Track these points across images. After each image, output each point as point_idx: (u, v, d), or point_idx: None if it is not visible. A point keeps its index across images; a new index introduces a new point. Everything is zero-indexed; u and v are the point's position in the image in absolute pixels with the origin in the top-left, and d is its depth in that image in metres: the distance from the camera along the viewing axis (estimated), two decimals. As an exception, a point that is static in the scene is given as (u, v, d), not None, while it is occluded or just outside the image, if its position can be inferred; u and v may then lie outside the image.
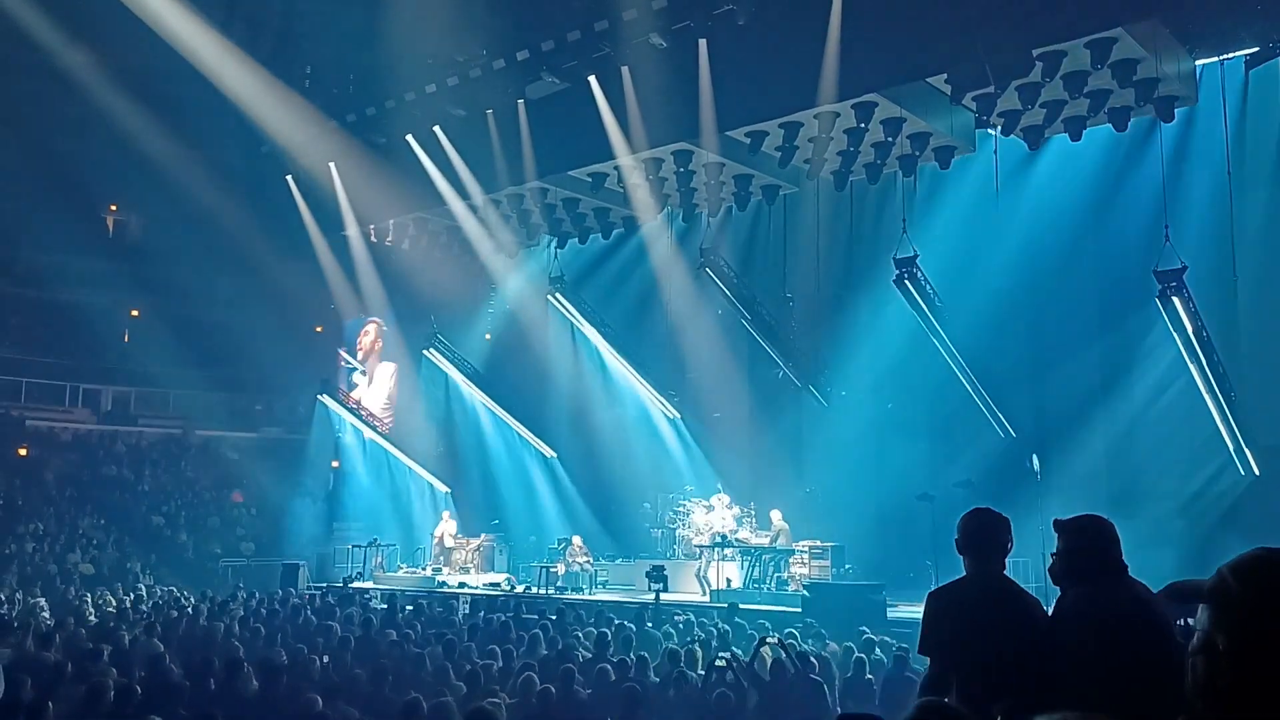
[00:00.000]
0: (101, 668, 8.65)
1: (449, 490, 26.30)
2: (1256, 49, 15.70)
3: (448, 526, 22.83)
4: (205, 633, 12.52)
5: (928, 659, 4.11)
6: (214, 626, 12.84)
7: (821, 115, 17.03)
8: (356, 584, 21.14)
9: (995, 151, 18.12)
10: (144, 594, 19.11)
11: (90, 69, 24.88)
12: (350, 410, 27.15)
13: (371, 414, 27.49)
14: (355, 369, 28.46)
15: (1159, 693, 2.78)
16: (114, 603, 16.93)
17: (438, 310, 25.45)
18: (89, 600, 17.12)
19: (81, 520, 26.19)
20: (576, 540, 20.48)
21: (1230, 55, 16.43)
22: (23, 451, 28.90)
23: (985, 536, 4.06)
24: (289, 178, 23.74)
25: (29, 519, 25.33)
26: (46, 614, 15.06)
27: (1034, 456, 18.83)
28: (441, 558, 22.15)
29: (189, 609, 15.58)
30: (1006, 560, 4.09)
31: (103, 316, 31.91)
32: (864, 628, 11.92)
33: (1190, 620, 1.63)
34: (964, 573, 4.13)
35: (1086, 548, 3.70)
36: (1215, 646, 1.50)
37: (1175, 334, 16.26)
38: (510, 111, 19.71)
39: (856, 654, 9.96)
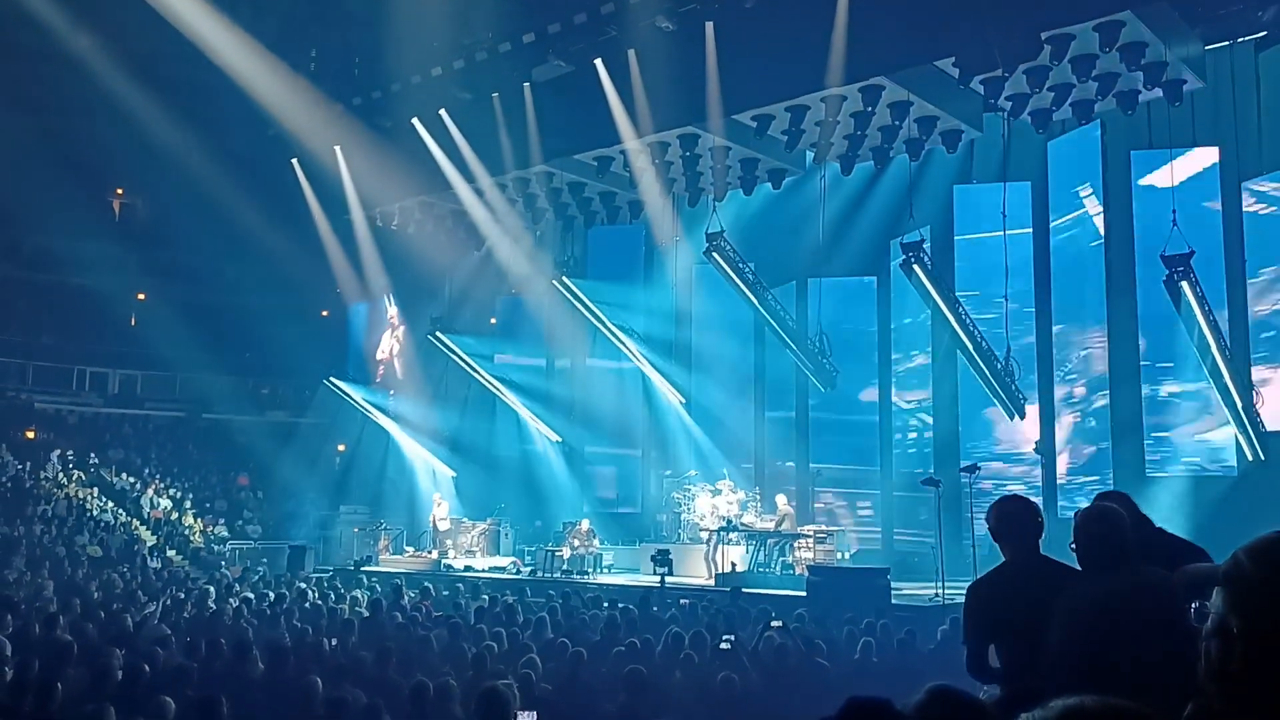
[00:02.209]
0: (108, 649, 8.68)
1: (454, 474, 26.33)
2: (1265, 32, 15.62)
3: (439, 510, 22.90)
4: (212, 615, 12.58)
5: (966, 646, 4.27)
6: (221, 609, 12.90)
7: (828, 99, 16.95)
8: (365, 568, 21.19)
9: (1004, 135, 18.06)
10: (151, 576, 19.21)
11: (96, 52, 24.82)
12: (356, 394, 27.17)
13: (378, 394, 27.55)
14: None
15: (1169, 678, 2.79)
16: (120, 584, 17.00)
17: (443, 294, 25.45)
18: (96, 582, 17.19)
19: (89, 503, 26.29)
20: (583, 524, 20.53)
21: (1240, 39, 16.35)
22: (30, 434, 28.98)
23: (1021, 521, 4.24)
24: (294, 161, 23.71)
25: (37, 501, 25.45)
26: (51, 595, 15.12)
27: (1037, 440, 18.89)
28: (435, 540, 22.25)
29: (196, 591, 15.64)
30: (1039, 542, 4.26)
31: (109, 300, 31.93)
32: (868, 612, 11.93)
33: (1204, 604, 1.63)
34: (1001, 559, 4.34)
35: (1101, 535, 3.72)
36: (1229, 629, 1.49)
37: (1182, 318, 16.24)
38: (516, 95, 19.65)
39: (864, 638, 9.97)
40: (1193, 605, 2.93)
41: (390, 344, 28.55)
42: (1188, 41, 15.81)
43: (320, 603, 13.86)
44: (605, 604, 13.40)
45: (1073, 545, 3.84)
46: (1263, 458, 16.67)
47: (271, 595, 14.84)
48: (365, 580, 18.18)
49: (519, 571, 20.64)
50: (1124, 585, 3.55)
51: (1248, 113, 16.78)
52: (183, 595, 14.99)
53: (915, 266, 17.52)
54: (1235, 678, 1.47)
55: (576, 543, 19.97)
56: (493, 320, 27.21)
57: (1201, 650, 1.54)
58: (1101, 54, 14.90)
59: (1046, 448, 19.23)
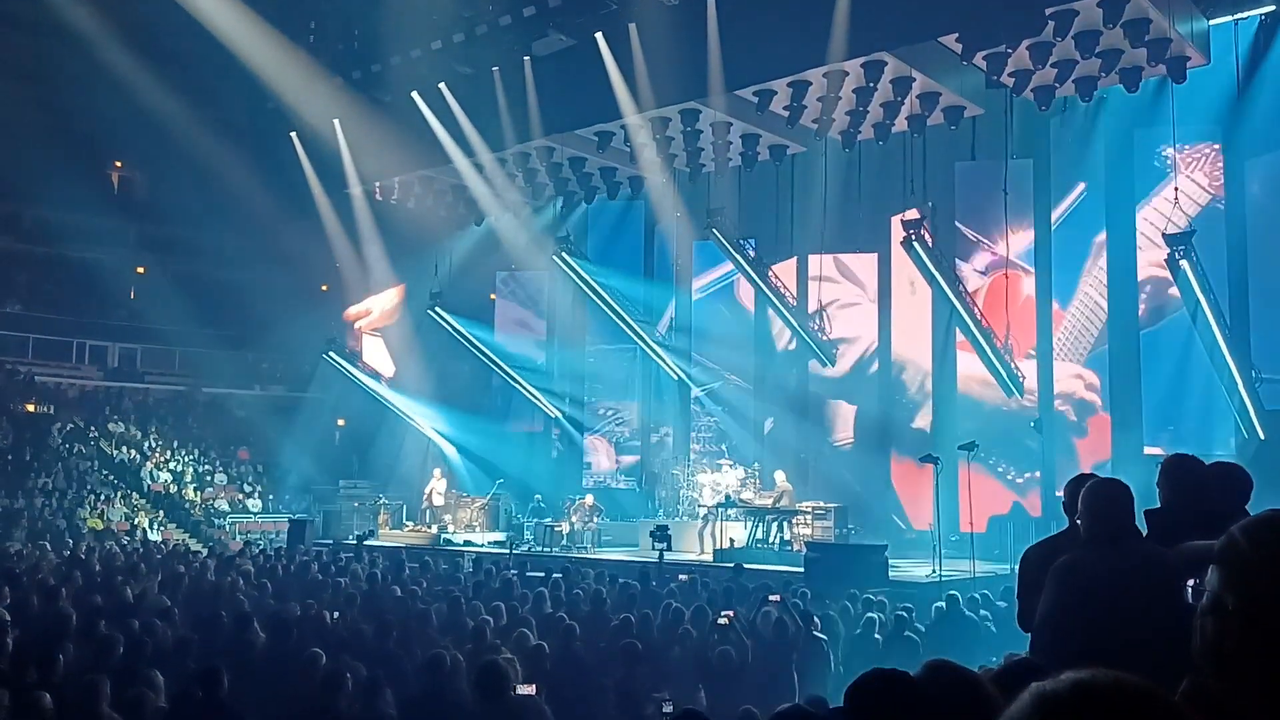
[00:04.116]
0: (109, 621, 8.72)
1: (454, 450, 26.38)
2: (1273, 7, 15.52)
3: (437, 484, 22.94)
4: (213, 587, 12.62)
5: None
6: (221, 581, 12.94)
7: (830, 74, 16.88)
8: (365, 542, 21.24)
9: (1008, 112, 17.97)
10: (152, 549, 19.26)
11: (94, 23, 24.69)
12: (356, 368, 27.19)
13: (377, 372, 27.56)
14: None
15: (1158, 651, 2.84)
16: (121, 557, 17.05)
17: (442, 269, 25.42)
18: (96, 554, 17.25)
19: (89, 476, 26.38)
20: (588, 499, 20.57)
21: (1244, 15, 16.26)
22: (31, 407, 29.04)
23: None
24: (293, 135, 23.59)
25: (38, 474, 25.52)
26: (54, 568, 15.17)
27: (1036, 418, 18.90)
28: (429, 513, 22.32)
29: (196, 564, 15.69)
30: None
31: (109, 273, 31.94)
32: (865, 588, 11.98)
33: (1200, 581, 1.63)
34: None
35: (1101, 511, 3.75)
36: (1225, 607, 1.49)
37: (1183, 297, 16.23)
38: (516, 69, 19.54)
39: (868, 614, 10.04)
40: (1190, 582, 2.94)
41: (372, 314, 28.40)
42: (1192, 18, 15.72)
43: (320, 576, 13.90)
44: (604, 579, 13.45)
45: (1077, 518, 3.87)
46: (1262, 436, 16.69)
47: (271, 568, 14.88)
48: (366, 554, 18.24)
49: (516, 547, 20.70)
50: (1124, 556, 3.58)
51: (1251, 90, 16.70)
52: (182, 568, 15.03)
53: (915, 244, 17.48)
54: (1230, 656, 1.48)
55: (576, 518, 20.03)
56: (492, 296, 27.19)
57: (1196, 627, 1.55)
58: (1105, 30, 14.80)
59: (1046, 425, 19.24)
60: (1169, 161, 18.64)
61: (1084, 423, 19.28)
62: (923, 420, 21.03)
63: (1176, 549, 3.29)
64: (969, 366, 19.86)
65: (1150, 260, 18.36)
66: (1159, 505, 4.00)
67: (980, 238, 20.13)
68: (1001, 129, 18.16)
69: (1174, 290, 17.34)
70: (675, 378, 24.06)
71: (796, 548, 17.06)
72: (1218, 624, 1.50)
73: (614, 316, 23.48)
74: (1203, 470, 4.06)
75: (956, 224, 20.29)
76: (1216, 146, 17.93)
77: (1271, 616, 1.44)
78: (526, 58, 19.32)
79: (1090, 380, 19.52)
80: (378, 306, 28.16)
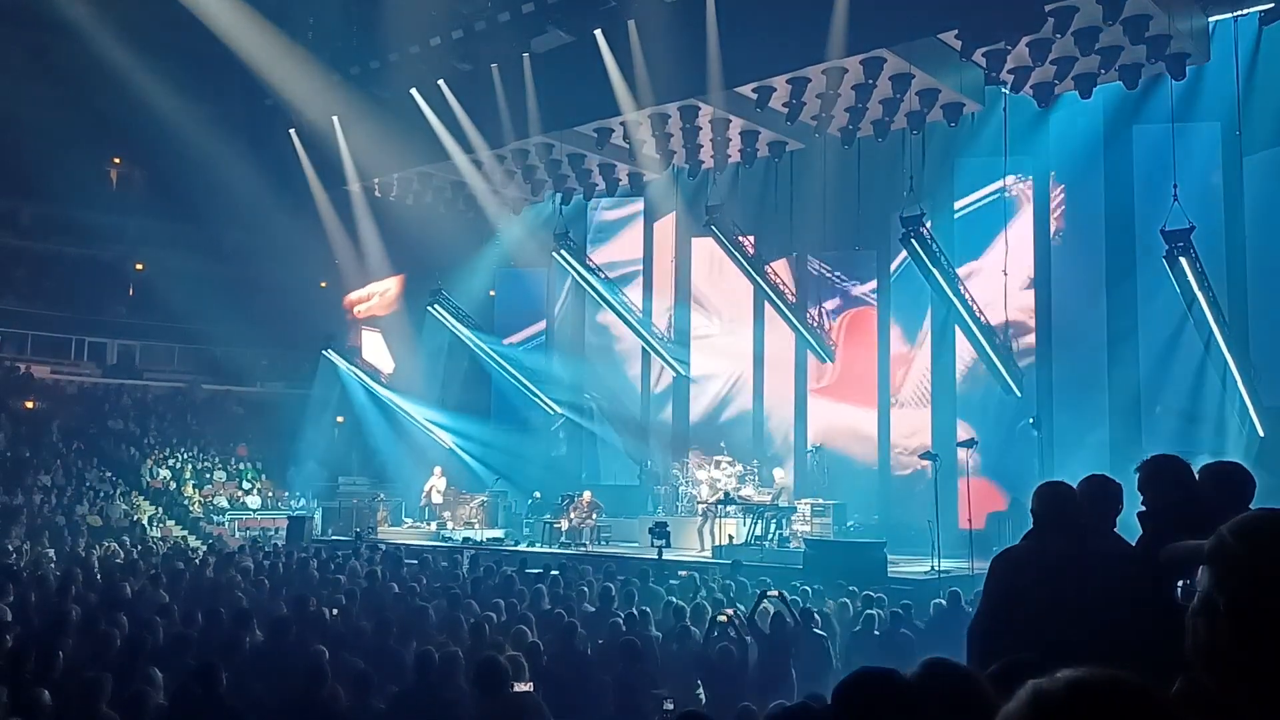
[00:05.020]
0: (109, 618, 8.72)
1: (453, 446, 26.37)
2: (1272, 4, 15.50)
3: (437, 482, 22.95)
4: (212, 585, 12.63)
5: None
6: (220, 578, 12.95)
7: (829, 71, 16.86)
8: (365, 538, 21.24)
9: (1005, 109, 17.96)
10: (151, 546, 19.28)
11: (93, 19, 24.66)
12: (355, 365, 27.18)
13: (376, 369, 27.55)
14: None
15: (1094, 629, 2.99)
16: (121, 554, 17.07)
17: (441, 266, 25.39)
18: (96, 551, 17.26)
19: (88, 473, 26.36)
20: (586, 496, 20.56)
21: (1244, 11, 16.24)
22: (29, 404, 29.02)
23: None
24: (292, 131, 23.55)
25: (37, 471, 25.51)
26: (54, 565, 15.19)
27: (1032, 416, 18.89)
28: (428, 510, 22.31)
29: (195, 560, 15.69)
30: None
31: (107, 270, 31.93)
32: (864, 585, 11.98)
33: (1190, 582, 1.64)
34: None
35: (1040, 509, 4.00)
36: (1216, 608, 1.50)
37: (1182, 295, 16.20)
38: (515, 65, 19.51)
39: (868, 610, 10.05)
40: (1179, 583, 2.97)
41: (372, 301, 28.40)
42: (1191, 15, 15.70)
43: (318, 573, 13.91)
44: (603, 576, 13.46)
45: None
46: (1261, 434, 16.67)
47: (270, 565, 14.88)
48: (365, 551, 18.24)
49: (516, 543, 20.70)
50: (1059, 545, 3.79)
51: (1250, 86, 16.69)
52: (181, 565, 15.04)
53: (913, 240, 17.46)
54: (1223, 656, 1.48)
55: (575, 515, 20.03)
56: (491, 292, 27.18)
57: (1188, 628, 1.55)
58: (1105, 26, 14.79)
59: (1044, 422, 19.23)
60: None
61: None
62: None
63: (1164, 549, 3.32)
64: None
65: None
66: (1145, 508, 4.01)
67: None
68: (1000, 126, 18.20)
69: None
70: (674, 374, 24.06)
71: (795, 545, 17.07)
72: (1209, 624, 1.50)
73: (613, 312, 23.46)
74: (1186, 470, 4.06)
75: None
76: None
77: (1263, 616, 1.44)
78: (525, 54, 19.29)
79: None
80: (378, 292, 28.15)
